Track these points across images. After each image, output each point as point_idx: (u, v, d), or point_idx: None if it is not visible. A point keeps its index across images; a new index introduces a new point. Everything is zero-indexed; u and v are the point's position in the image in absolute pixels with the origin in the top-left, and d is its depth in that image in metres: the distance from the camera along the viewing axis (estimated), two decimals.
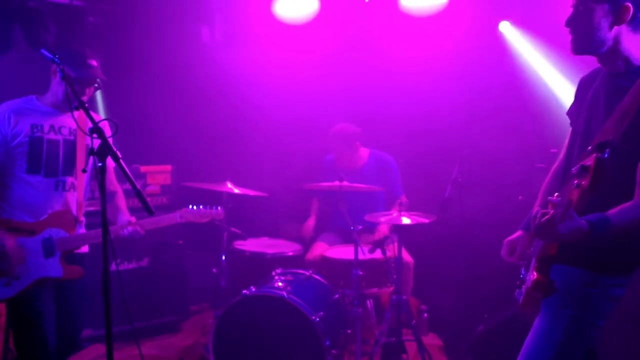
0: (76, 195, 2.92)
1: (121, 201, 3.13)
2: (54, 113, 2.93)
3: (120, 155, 2.33)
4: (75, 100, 2.41)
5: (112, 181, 3.15)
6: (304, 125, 5.25)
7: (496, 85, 4.68)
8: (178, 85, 5.28)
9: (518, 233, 2.39)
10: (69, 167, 2.91)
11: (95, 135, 2.29)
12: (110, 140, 2.55)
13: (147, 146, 5.02)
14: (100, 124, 2.39)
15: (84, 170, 2.80)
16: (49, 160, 2.85)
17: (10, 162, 2.83)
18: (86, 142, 2.93)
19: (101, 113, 5.06)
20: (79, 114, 2.72)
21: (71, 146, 2.92)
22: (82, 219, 3.01)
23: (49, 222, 2.85)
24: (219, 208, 3.24)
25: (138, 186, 2.32)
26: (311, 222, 4.74)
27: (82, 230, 3.01)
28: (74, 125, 2.94)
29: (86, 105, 2.55)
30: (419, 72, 4.88)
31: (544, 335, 2.12)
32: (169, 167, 4.91)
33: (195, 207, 3.17)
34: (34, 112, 2.89)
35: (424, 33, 4.85)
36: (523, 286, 2.24)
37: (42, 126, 2.88)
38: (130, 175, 2.33)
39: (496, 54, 4.87)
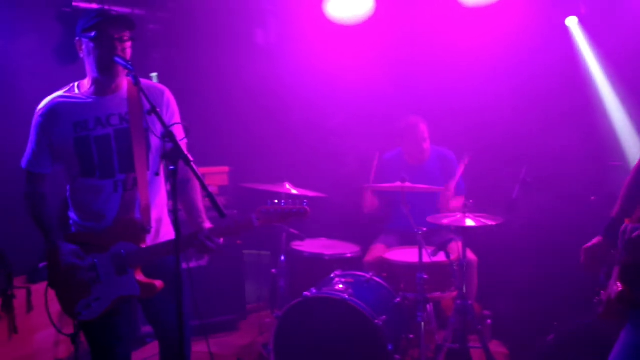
0: (141, 192, 2.59)
1: (196, 194, 2.72)
2: (98, 101, 2.61)
3: (191, 159, 2.29)
4: (110, 60, 2.35)
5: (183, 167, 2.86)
6: (358, 125, 5.21)
7: (564, 79, 4.53)
8: (233, 88, 5.34)
9: (597, 239, 2.28)
10: (126, 162, 2.59)
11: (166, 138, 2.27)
12: (185, 142, 2.59)
13: (204, 148, 4.91)
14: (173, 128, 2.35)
15: (156, 174, 2.64)
16: (101, 160, 2.57)
17: (66, 166, 2.65)
18: (143, 124, 2.58)
19: None
20: (127, 81, 2.58)
21: (125, 135, 2.58)
22: (152, 225, 2.65)
23: (117, 233, 2.59)
24: (303, 203, 2.56)
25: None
26: (368, 197, 4.53)
27: (162, 236, 2.72)
28: (123, 108, 2.61)
29: (130, 64, 2.45)
30: (479, 67, 4.75)
31: (634, 352, 1.98)
32: (226, 169, 4.95)
33: (276, 202, 2.54)
34: (75, 106, 2.60)
35: (484, 25, 4.70)
36: (602, 293, 2.13)
37: (86, 122, 2.58)
38: (202, 179, 2.31)
39: (564, 48, 4.70)
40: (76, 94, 2.63)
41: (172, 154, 2.26)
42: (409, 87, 5.00)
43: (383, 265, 3.98)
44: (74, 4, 4.09)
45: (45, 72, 3.95)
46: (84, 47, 2.58)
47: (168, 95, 2.74)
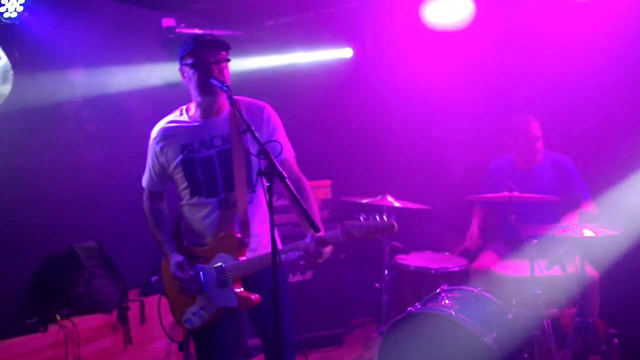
0: (240, 211, 2.68)
1: (309, 204, 2.66)
2: (202, 124, 2.75)
3: (286, 175, 2.33)
4: (208, 82, 2.48)
5: (293, 169, 2.80)
6: (463, 133, 5.08)
7: None
8: (333, 102, 5.38)
9: None
10: (229, 181, 2.70)
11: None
12: (292, 156, 2.76)
13: (305, 162, 5.00)
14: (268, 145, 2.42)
15: (252, 191, 2.69)
16: (207, 180, 2.71)
17: (178, 187, 2.80)
18: (243, 143, 2.67)
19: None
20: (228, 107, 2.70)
21: (227, 155, 2.70)
22: (251, 239, 2.72)
23: (219, 247, 2.70)
24: (387, 219, 2.44)
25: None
26: (475, 230, 4.40)
27: (262, 250, 2.75)
28: (225, 129, 2.72)
29: (225, 85, 2.56)
30: (595, 64, 4.44)
31: None
32: (328, 182, 4.96)
33: (362, 219, 2.46)
34: (183, 129, 2.76)
35: (590, 20, 4.38)
36: None
37: (191, 145, 2.73)
38: (297, 195, 2.34)
39: None
40: (183, 118, 2.79)
41: (267, 171, 2.32)
42: (514, 91, 4.79)
43: (492, 278, 3.84)
44: (177, 30, 4.29)
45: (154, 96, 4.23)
46: (185, 74, 2.73)
47: (268, 111, 2.80)
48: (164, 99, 3.98)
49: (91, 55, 4.08)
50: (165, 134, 2.78)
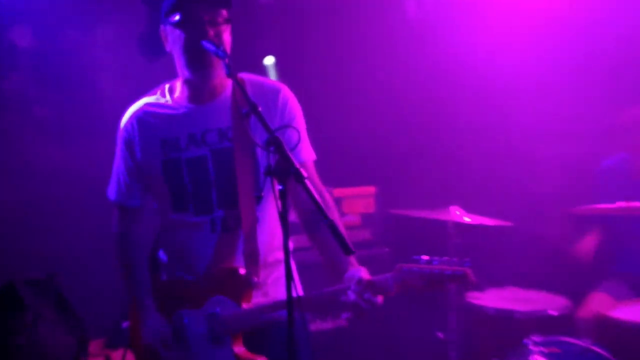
0: (245, 235, 2.64)
1: (335, 216, 2.61)
2: (192, 110, 2.69)
3: (305, 175, 2.20)
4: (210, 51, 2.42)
5: (313, 176, 2.74)
6: (558, 124, 5.05)
7: None
8: (377, 81, 5.37)
9: None
10: (228, 193, 2.65)
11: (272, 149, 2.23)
12: (312, 159, 2.73)
13: (340, 162, 5.05)
14: (278, 132, 2.31)
15: (258, 197, 2.62)
16: (196, 190, 2.65)
17: (156, 197, 2.77)
18: (252, 137, 2.56)
19: None
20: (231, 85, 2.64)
21: (226, 157, 2.65)
22: (261, 276, 2.66)
23: (214, 286, 2.63)
24: (459, 264, 2.36)
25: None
26: (589, 244, 4.38)
27: (275, 292, 2.70)
28: (224, 119, 2.66)
29: (222, 50, 2.47)
30: None
31: None
32: (371, 189, 4.93)
33: (422, 261, 2.39)
34: (164, 118, 2.70)
35: None
36: None
37: (177, 140, 2.66)
38: (320, 202, 2.22)
39: None
40: (166, 101, 2.73)
41: (279, 169, 2.23)
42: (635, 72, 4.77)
43: (607, 327, 3.82)
44: None
45: (127, 69, 4.17)
46: (169, 36, 2.65)
47: (285, 94, 2.74)
48: (143, 75, 3.92)
49: (41, 11, 4.04)
50: (141, 122, 2.71)
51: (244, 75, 2.68)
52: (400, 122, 5.41)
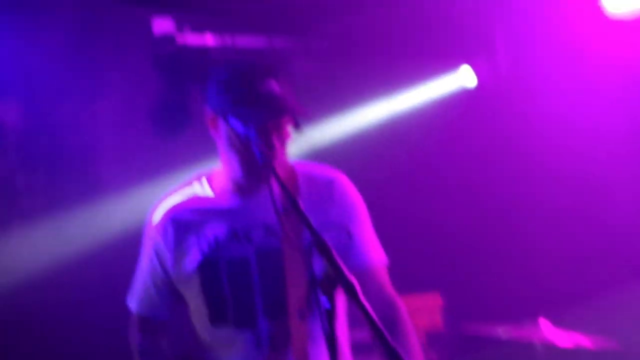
0: (297, 352, 2.65)
1: (408, 335, 2.65)
2: (236, 202, 2.75)
3: (357, 286, 2.09)
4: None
5: (383, 285, 2.76)
6: None
7: None
8: (439, 159, 5.54)
9: None
10: (276, 302, 2.68)
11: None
12: (384, 263, 2.74)
13: (394, 259, 5.03)
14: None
15: (302, 316, 2.64)
16: (237, 297, 2.67)
17: (189, 306, 2.79)
18: (304, 243, 2.59)
19: None
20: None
21: (274, 257, 2.69)
22: None
23: None
24: None
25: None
26: None
27: None
28: (272, 212, 2.58)
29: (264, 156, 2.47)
30: None
31: None
32: (437, 299, 4.97)
33: None
34: (211, 214, 2.74)
35: None
36: None
37: (215, 237, 2.69)
38: (377, 321, 2.04)
39: None
40: (206, 194, 2.78)
41: (326, 280, 2.15)
42: None
43: None
44: (179, 40, 4.31)
45: (135, 152, 4.18)
46: (221, 130, 2.69)
47: (340, 184, 2.80)
48: (154, 159, 4.01)
49: (33, 82, 4.13)
50: (177, 223, 2.74)
51: (297, 163, 2.75)
52: (472, 211, 5.50)
